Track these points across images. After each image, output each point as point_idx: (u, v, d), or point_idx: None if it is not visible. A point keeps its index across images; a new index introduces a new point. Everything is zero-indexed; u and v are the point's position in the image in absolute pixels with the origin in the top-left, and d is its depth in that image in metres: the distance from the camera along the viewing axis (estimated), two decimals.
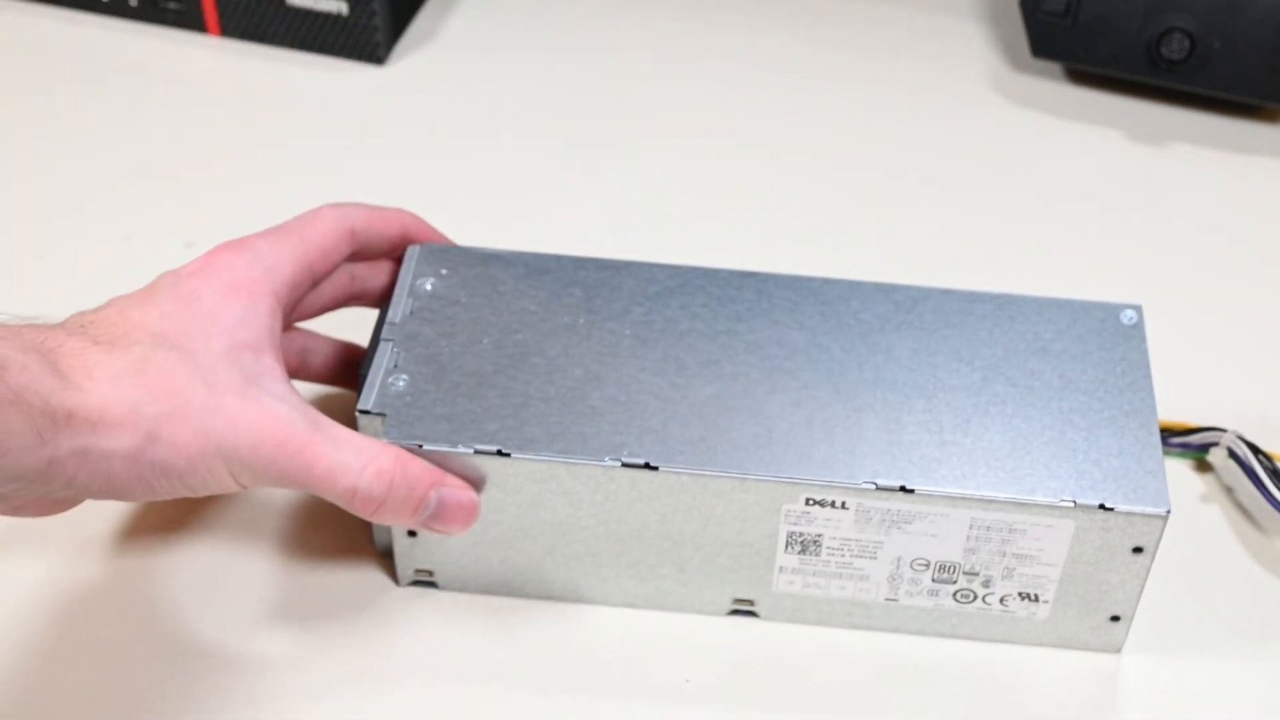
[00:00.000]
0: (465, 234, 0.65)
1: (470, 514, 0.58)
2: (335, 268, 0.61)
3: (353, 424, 0.58)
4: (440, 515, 0.57)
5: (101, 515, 0.64)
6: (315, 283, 0.61)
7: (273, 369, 0.56)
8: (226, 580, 0.62)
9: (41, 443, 0.49)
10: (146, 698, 0.58)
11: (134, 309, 0.56)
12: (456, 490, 0.57)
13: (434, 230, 0.64)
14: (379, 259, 0.64)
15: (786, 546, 0.59)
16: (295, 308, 0.62)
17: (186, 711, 0.58)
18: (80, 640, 0.60)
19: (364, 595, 0.62)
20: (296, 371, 0.64)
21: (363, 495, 0.55)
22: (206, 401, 0.53)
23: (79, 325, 0.54)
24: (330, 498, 0.55)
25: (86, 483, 0.52)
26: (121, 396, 0.52)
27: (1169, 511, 0.56)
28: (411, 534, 0.60)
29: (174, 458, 0.53)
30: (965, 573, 0.59)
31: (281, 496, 0.65)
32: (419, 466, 0.56)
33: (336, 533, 0.64)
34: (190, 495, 0.55)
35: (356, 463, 0.55)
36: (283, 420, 0.54)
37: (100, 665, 0.59)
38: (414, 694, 0.59)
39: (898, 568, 0.59)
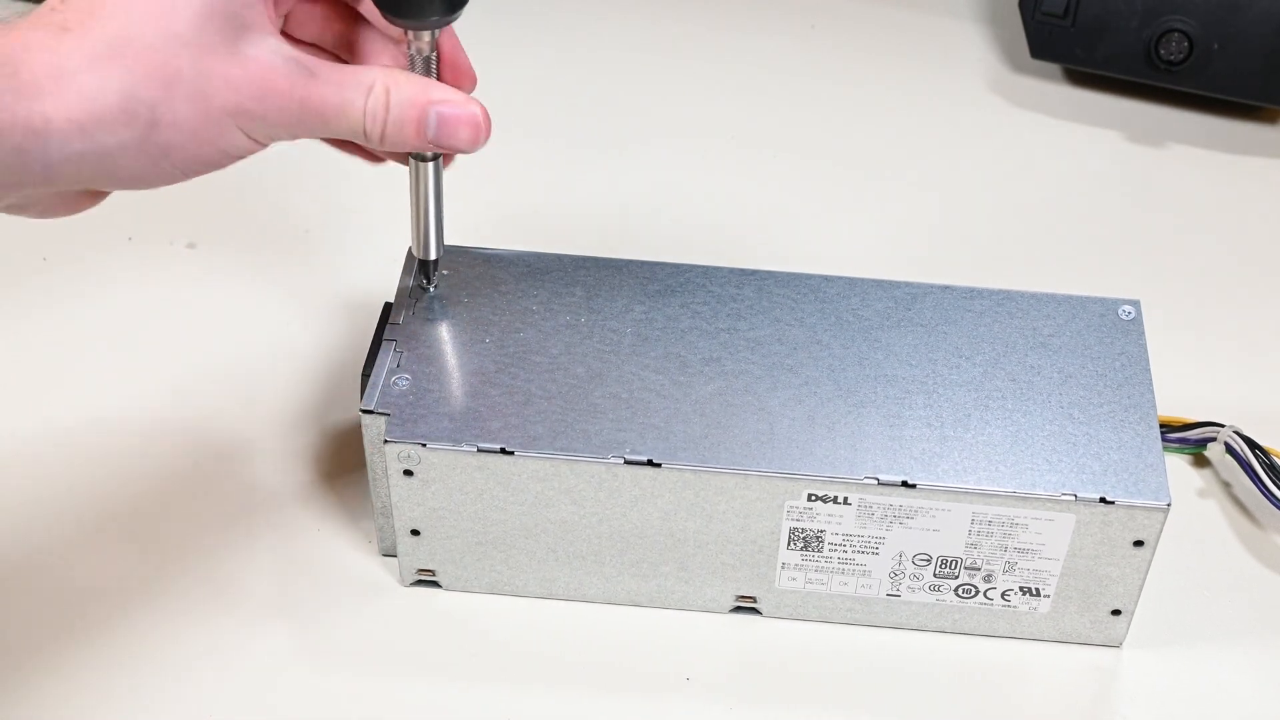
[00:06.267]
0: (466, 234, 0.65)
1: (476, 125, 0.56)
2: None
3: None
4: (446, 129, 0.55)
5: (101, 514, 0.64)
6: None
7: (260, 20, 0.53)
8: (227, 580, 0.62)
9: (24, 162, 0.48)
10: (147, 697, 0.58)
11: None
12: (456, 105, 0.55)
13: None
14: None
15: (789, 543, 0.59)
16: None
17: (186, 710, 0.58)
18: (80, 639, 0.60)
19: (366, 595, 0.62)
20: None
21: (370, 117, 0.54)
22: (196, 67, 0.51)
23: (50, 9, 0.51)
24: (343, 134, 0.54)
25: (95, 178, 0.50)
26: (109, 84, 0.50)
27: (1170, 504, 0.56)
28: (415, 533, 0.60)
29: (182, 137, 0.51)
30: (967, 568, 0.59)
31: (281, 495, 0.65)
32: (411, 84, 0.55)
33: (338, 533, 0.64)
34: (213, 168, 0.53)
35: (359, 94, 0.54)
36: (279, 70, 0.52)
37: (100, 664, 0.59)
38: (416, 694, 0.59)
39: (900, 563, 0.59)
